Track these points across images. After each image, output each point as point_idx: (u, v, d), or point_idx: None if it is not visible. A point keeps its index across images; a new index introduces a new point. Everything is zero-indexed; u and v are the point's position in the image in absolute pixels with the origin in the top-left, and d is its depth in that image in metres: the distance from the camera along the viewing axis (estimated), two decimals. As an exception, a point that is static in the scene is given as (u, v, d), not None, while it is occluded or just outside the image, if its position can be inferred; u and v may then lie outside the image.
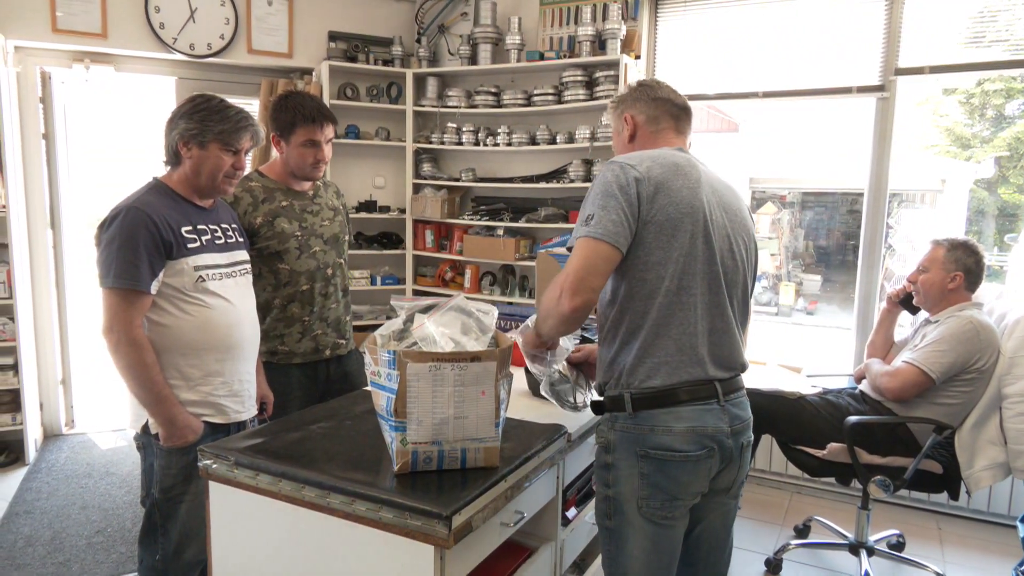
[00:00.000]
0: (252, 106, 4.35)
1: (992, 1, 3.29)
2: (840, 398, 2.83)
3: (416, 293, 4.68)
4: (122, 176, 5.77)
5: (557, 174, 4.30)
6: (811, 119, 3.94)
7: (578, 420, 1.91)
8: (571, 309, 1.48)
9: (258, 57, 4.34)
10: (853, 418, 2.59)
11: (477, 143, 4.46)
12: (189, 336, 1.88)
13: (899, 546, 3.07)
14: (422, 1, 4.64)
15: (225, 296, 1.95)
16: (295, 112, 2.29)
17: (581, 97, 4.06)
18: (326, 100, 4.17)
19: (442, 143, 4.56)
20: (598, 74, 4.02)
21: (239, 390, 2.02)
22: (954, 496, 2.70)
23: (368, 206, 4.64)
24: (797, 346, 4.06)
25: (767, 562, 2.96)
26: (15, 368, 3.85)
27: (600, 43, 4.07)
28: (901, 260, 3.88)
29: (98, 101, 5.82)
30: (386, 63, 4.54)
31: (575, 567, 2.18)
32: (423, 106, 4.58)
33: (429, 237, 4.72)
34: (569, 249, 1.57)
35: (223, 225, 2.03)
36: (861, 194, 3.77)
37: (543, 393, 1.89)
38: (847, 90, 3.63)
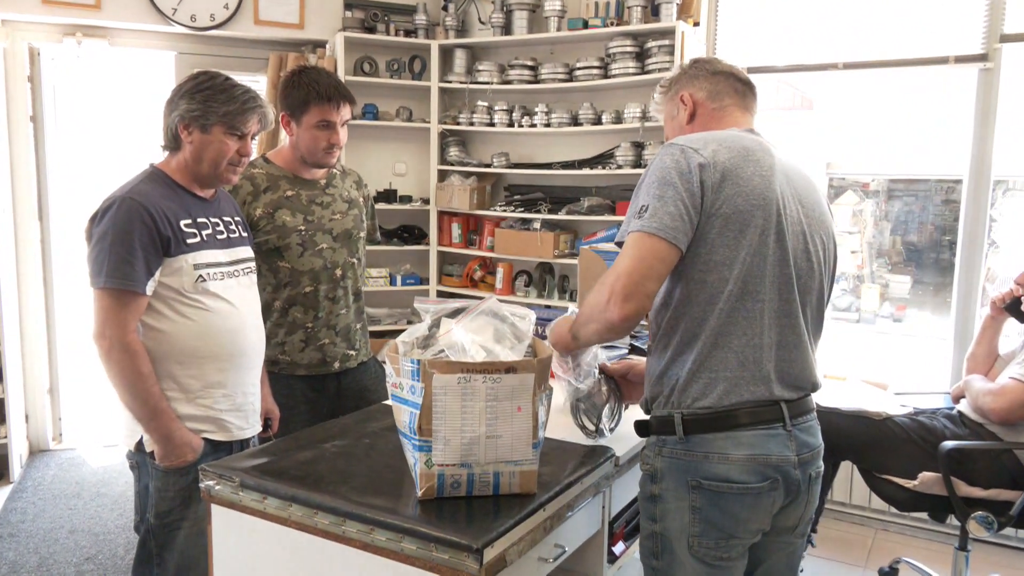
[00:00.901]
0: (259, 83, 4.42)
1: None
2: (934, 420, 2.78)
3: (441, 294, 4.71)
4: (116, 162, 5.90)
5: (603, 159, 4.29)
6: (899, 94, 3.86)
7: (627, 442, 1.90)
8: (621, 317, 1.45)
9: (266, 29, 4.41)
10: (950, 443, 2.54)
11: (511, 124, 4.47)
12: (188, 343, 1.91)
13: (1004, 594, 3.00)
14: (449, -37, 4.66)
15: (227, 298, 1.97)
16: (308, 89, 2.31)
17: (631, 71, 4.03)
18: (341, 76, 4.22)
19: (471, 124, 4.58)
20: (650, 44, 4.00)
21: (242, 404, 2.04)
22: (1071, 537, 2.62)
23: (387, 196, 4.68)
24: (882, 358, 3.98)
25: (846, 609, 2.91)
26: (-1, 376, 3.97)
27: (653, 8, 4.04)
28: (1007, 259, 3.78)
29: (90, 80, 5.96)
30: (408, 34, 4.57)
31: (623, 610, 2.17)
32: (450, 82, 4.61)
33: (456, 231, 4.74)
34: (619, 245, 1.55)
35: (225, 218, 2.06)
36: (959, 181, 3.69)
37: (574, 414, 1.88)
38: (943, 60, 3.55)
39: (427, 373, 1.40)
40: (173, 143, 1.96)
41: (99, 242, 1.82)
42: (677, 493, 1.55)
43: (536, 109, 4.37)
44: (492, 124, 4.52)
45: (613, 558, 1.97)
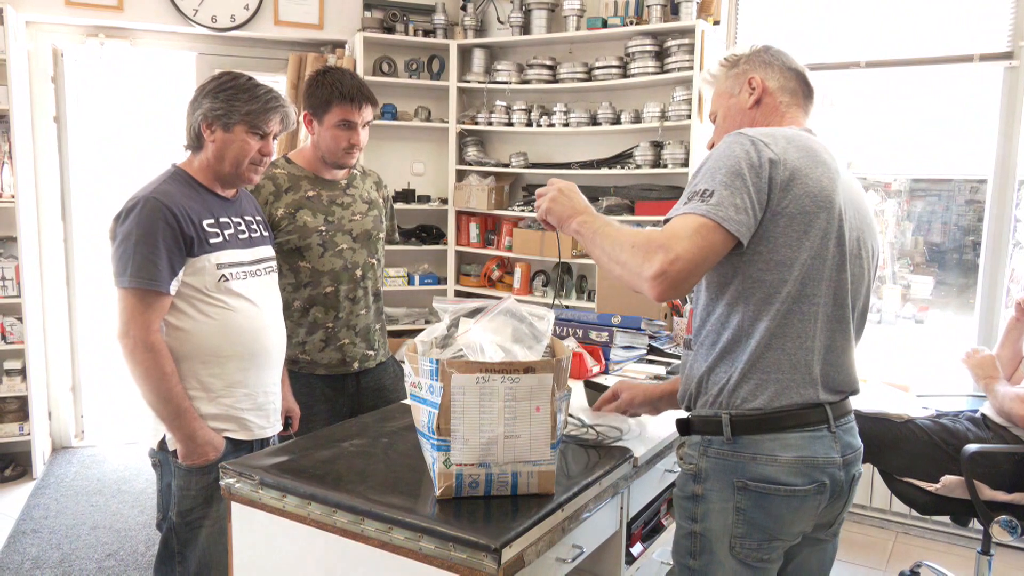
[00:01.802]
0: (279, 83, 4.45)
1: None
2: (957, 422, 2.75)
3: (458, 294, 4.72)
4: (137, 162, 5.97)
5: (621, 159, 4.28)
6: (923, 93, 3.83)
7: (646, 443, 1.90)
8: (658, 296, 1.39)
9: (285, 29, 4.44)
10: (973, 446, 2.51)
11: (529, 124, 4.47)
12: (210, 342, 1.93)
13: (1028, 600, 2.96)
14: (468, -37, 4.67)
15: (249, 298, 1.99)
16: (332, 88, 2.33)
17: (650, 70, 4.02)
18: (359, 76, 4.24)
19: (489, 124, 4.59)
20: (670, 43, 3.99)
21: (264, 403, 2.06)
22: (1097, 542, 2.58)
23: (406, 196, 4.70)
24: (904, 360, 3.94)
25: (867, 613, 2.89)
26: (23, 373, 4.02)
27: (672, 7, 4.03)
28: (1032, 260, 3.73)
29: (113, 81, 6.04)
30: (427, 34, 4.59)
31: (640, 612, 2.16)
32: (468, 82, 4.62)
33: (474, 231, 4.75)
34: (666, 222, 1.48)
35: (247, 218, 2.08)
36: (984, 181, 3.65)
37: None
38: (968, 58, 3.51)
39: (446, 373, 1.41)
40: (196, 142, 1.98)
41: (123, 242, 1.84)
42: (722, 494, 1.54)
43: (555, 109, 4.37)
44: (510, 124, 4.53)
45: (631, 559, 1.97)
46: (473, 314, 1.59)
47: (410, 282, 4.73)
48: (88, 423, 4.73)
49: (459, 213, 4.76)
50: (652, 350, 2.84)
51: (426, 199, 4.77)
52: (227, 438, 1.97)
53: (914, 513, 3.43)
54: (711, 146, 1.73)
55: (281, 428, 2.18)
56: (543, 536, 1.46)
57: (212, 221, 1.95)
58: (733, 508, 1.52)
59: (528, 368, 1.43)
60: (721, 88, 1.72)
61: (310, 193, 2.42)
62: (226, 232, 1.98)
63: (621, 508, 1.85)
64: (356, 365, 2.51)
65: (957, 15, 3.54)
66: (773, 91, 1.65)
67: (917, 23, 3.63)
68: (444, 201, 4.79)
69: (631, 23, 4.11)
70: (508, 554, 1.35)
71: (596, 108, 4.28)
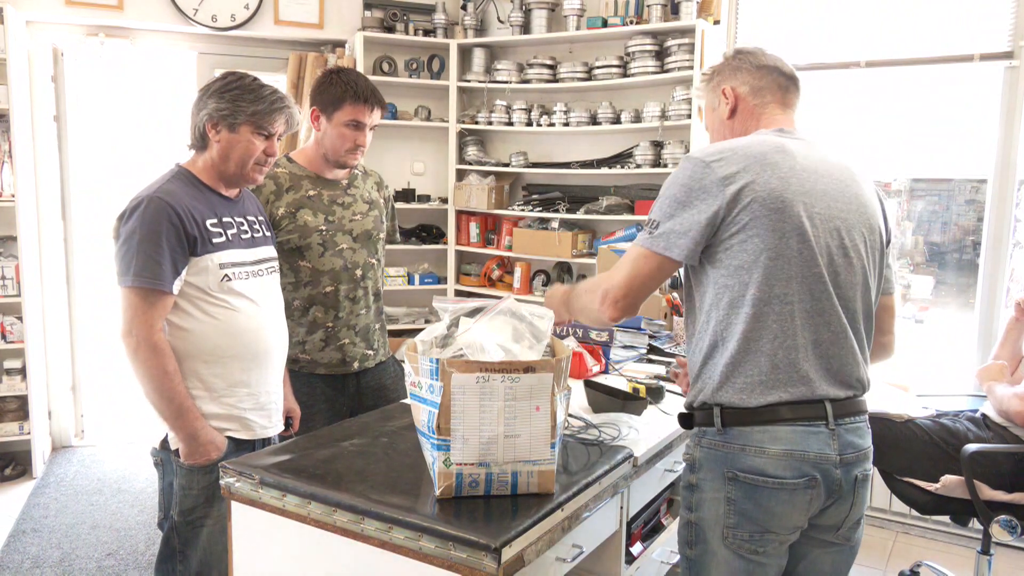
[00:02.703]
0: (279, 82, 4.45)
1: None
2: (957, 422, 2.75)
3: (459, 294, 4.72)
4: (138, 162, 5.98)
5: (621, 158, 4.28)
6: (922, 93, 3.83)
7: (646, 442, 1.90)
8: (612, 319, 1.60)
9: (286, 28, 4.44)
10: (973, 446, 2.52)
11: (529, 123, 4.47)
12: (213, 342, 1.93)
13: (1028, 599, 2.96)
14: (468, -38, 4.67)
15: (252, 297, 2.00)
16: (346, 87, 2.34)
17: (650, 69, 4.03)
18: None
19: (489, 123, 4.59)
20: (670, 43, 3.99)
21: (266, 402, 2.07)
22: (1097, 542, 2.59)
23: (406, 195, 4.70)
24: (905, 359, 3.94)
25: (867, 613, 2.90)
26: (23, 372, 4.03)
27: (673, 6, 4.04)
28: (1033, 259, 3.73)
29: (113, 80, 6.05)
30: (427, 33, 4.59)
31: (640, 611, 2.17)
32: (468, 81, 4.62)
33: (474, 230, 4.76)
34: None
35: (249, 218, 2.09)
36: (984, 181, 3.65)
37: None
38: (968, 58, 3.52)
39: (446, 372, 1.42)
40: (200, 142, 1.99)
41: (127, 241, 1.85)
42: (714, 484, 1.57)
43: (555, 108, 4.38)
44: (510, 123, 4.53)
45: (631, 559, 1.98)
46: (473, 314, 1.60)
47: (410, 281, 4.74)
48: (88, 422, 4.73)
49: (459, 213, 4.77)
50: (652, 349, 2.85)
51: (426, 199, 4.78)
52: (229, 437, 1.98)
53: (914, 513, 3.43)
54: None
55: (283, 428, 2.18)
56: (543, 535, 1.47)
57: (215, 221, 1.96)
58: (724, 498, 1.55)
59: (528, 368, 1.44)
60: (706, 102, 1.81)
61: (311, 192, 2.42)
62: (229, 232, 1.99)
63: (621, 508, 1.85)
64: (356, 365, 2.52)
65: (957, 15, 3.54)
66: (745, 96, 1.72)
67: (917, 23, 3.64)
68: (444, 201, 4.79)
69: (631, 23, 4.11)
70: (508, 553, 1.36)
71: (596, 108, 4.28)
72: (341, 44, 4.61)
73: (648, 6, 4.06)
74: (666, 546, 2.21)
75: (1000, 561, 3.27)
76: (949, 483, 2.61)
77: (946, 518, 3.00)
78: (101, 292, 5.00)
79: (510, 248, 4.58)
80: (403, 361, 1.56)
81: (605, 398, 2.10)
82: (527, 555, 1.42)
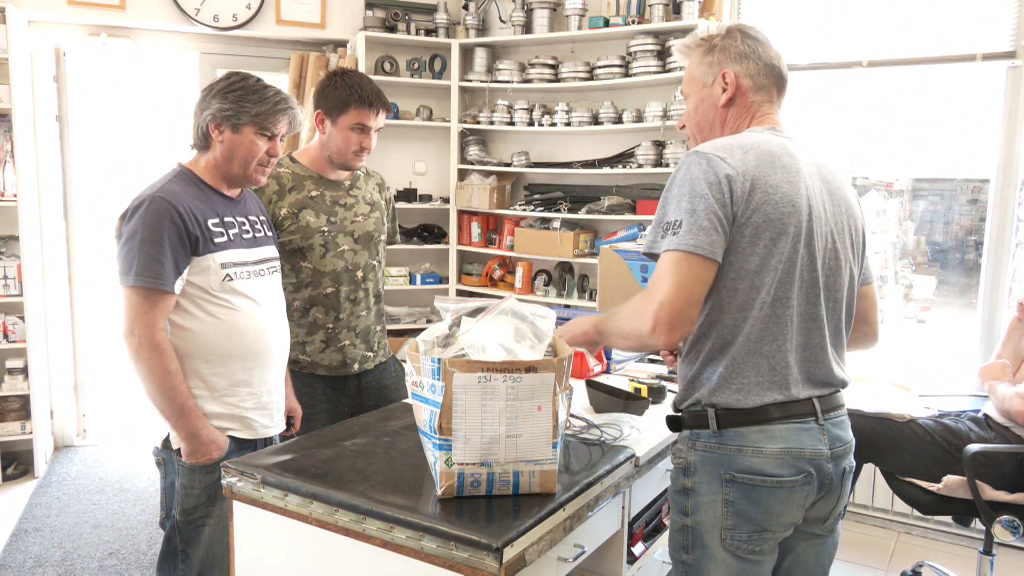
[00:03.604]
0: (281, 82, 4.45)
1: None
2: (959, 422, 2.75)
3: (460, 293, 4.72)
4: (140, 161, 5.98)
5: (623, 158, 4.28)
6: (925, 93, 3.83)
7: (647, 442, 1.90)
8: (667, 344, 1.47)
9: (287, 28, 4.45)
10: (975, 446, 2.51)
11: (531, 123, 4.47)
12: (215, 341, 1.94)
13: (1030, 600, 2.96)
14: (470, -38, 4.67)
15: (253, 297, 2.00)
16: (352, 91, 2.34)
17: (652, 69, 4.03)
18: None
19: (491, 123, 4.59)
20: (672, 42, 3.98)
21: (267, 402, 2.07)
22: (1099, 542, 2.58)
23: (407, 195, 4.70)
24: (906, 360, 3.94)
25: (868, 613, 2.90)
26: (25, 372, 4.03)
27: (674, 6, 4.04)
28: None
29: (115, 80, 6.05)
30: (429, 33, 4.60)
31: (642, 611, 2.17)
32: (470, 81, 4.62)
33: (476, 230, 4.76)
34: (648, 256, 1.55)
35: (251, 217, 2.09)
36: (986, 181, 3.65)
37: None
38: (970, 57, 3.51)
39: (447, 372, 1.42)
40: (203, 142, 1.99)
41: (129, 240, 1.85)
42: (710, 487, 1.56)
43: (556, 108, 4.37)
44: (512, 123, 4.53)
45: (632, 559, 1.97)
46: (475, 313, 1.60)
47: (412, 281, 4.74)
48: (90, 422, 4.74)
49: (461, 212, 4.77)
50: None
51: (428, 198, 4.78)
52: (231, 437, 1.98)
53: (916, 513, 3.43)
54: (681, 126, 1.77)
55: (284, 427, 2.18)
56: (545, 535, 1.47)
57: (217, 220, 1.96)
58: (722, 500, 1.54)
59: (530, 367, 1.44)
60: (695, 72, 1.68)
61: (313, 193, 2.42)
62: (231, 232, 1.99)
63: (623, 508, 1.85)
64: (356, 367, 2.52)
65: (960, 14, 3.54)
66: (746, 90, 1.64)
67: (919, 22, 3.63)
68: (446, 200, 4.79)
69: (633, 22, 4.11)
70: (510, 553, 1.36)
71: (598, 107, 4.28)
72: (343, 44, 4.61)
73: (650, 6, 4.06)
74: (668, 546, 2.21)
75: (1002, 561, 3.27)
76: (951, 483, 2.61)
77: (948, 518, 3.00)
78: (103, 292, 5.00)
79: (512, 248, 4.58)
80: (404, 361, 1.56)
81: (607, 398, 2.10)
82: (529, 555, 1.42)
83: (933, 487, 2.65)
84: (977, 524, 2.63)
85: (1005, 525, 2.49)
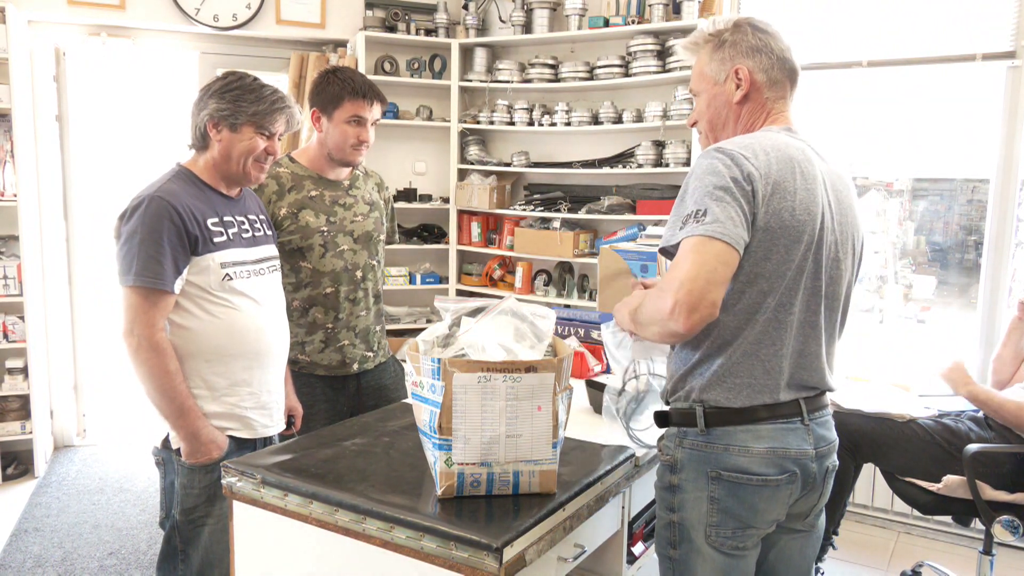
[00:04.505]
0: (281, 82, 4.46)
1: None
2: (959, 422, 2.75)
3: (460, 293, 4.73)
4: (140, 161, 5.98)
5: (623, 158, 4.28)
6: (924, 93, 3.83)
7: (647, 442, 1.90)
8: (687, 329, 1.40)
9: (287, 28, 4.45)
10: (975, 446, 2.51)
11: (531, 123, 4.47)
12: (214, 341, 1.94)
13: (1030, 600, 2.96)
14: (470, -38, 4.67)
15: (253, 296, 2.00)
16: (344, 84, 2.35)
17: (652, 69, 4.03)
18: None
19: (491, 123, 4.59)
20: (672, 42, 3.99)
21: (267, 401, 2.07)
22: (1099, 542, 2.58)
23: (407, 195, 4.70)
24: (906, 360, 3.94)
25: (868, 613, 2.90)
26: (25, 372, 4.03)
27: (674, 6, 4.04)
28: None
29: (114, 80, 6.05)
30: (429, 33, 4.59)
31: (642, 611, 2.17)
32: (470, 81, 4.62)
33: (475, 230, 4.76)
34: (664, 253, 1.52)
35: (250, 216, 2.09)
36: (986, 181, 3.64)
37: (606, 408, 1.88)
38: (970, 57, 3.51)
39: (447, 372, 1.42)
40: (201, 142, 1.99)
41: (128, 240, 1.85)
42: (696, 483, 1.57)
43: (556, 108, 4.37)
44: (512, 123, 4.53)
45: (632, 559, 1.97)
46: (475, 313, 1.60)
47: (412, 281, 4.74)
48: (90, 422, 4.74)
49: (461, 212, 4.77)
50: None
51: (428, 198, 4.78)
52: (230, 436, 1.98)
53: (916, 513, 3.43)
54: (692, 124, 1.73)
55: (284, 427, 2.18)
56: (545, 535, 1.47)
57: (216, 220, 1.96)
58: (707, 497, 1.55)
59: (530, 367, 1.44)
60: (705, 68, 1.64)
61: (313, 193, 2.42)
62: (230, 231, 1.99)
63: (623, 507, 1.85)
64: (356, 367, 2.52)
65: (959, 14, 3.54)
66: (761, 86, 1.59)
67: (919, 22, 3.63)
68: (446, 200, 4.79)
69: (633, 22, 4.11)
70: (510, 553, 1.36)
71: (598, 107, 4.28)
72: (343, 44, 4.61)
73: (650, 6, 4.06)
74: (655, 542, 2.21)
75: (1002, 561, 3.27)
76: (951, 483, 2.61)
77: (948, 518, 3.00)
78: (103, 292, 5.00)
79: (511, 248, 4.58)
80: (404, 361, 1.56)
81: (607, 398, 2.09)
82: (529, 555, 1.42)
83: (933, 487, 2.65)
84: (977, 524, 2.63)
85: (1005, 525, 2.49)
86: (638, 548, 2.03)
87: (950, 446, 2.65)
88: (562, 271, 4.49)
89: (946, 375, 2.80)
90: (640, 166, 4.15)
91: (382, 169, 3.00)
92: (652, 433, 1.85)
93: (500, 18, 4.63)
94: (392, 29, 4.52)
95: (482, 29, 4.66)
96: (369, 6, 4.54)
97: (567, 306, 4.23)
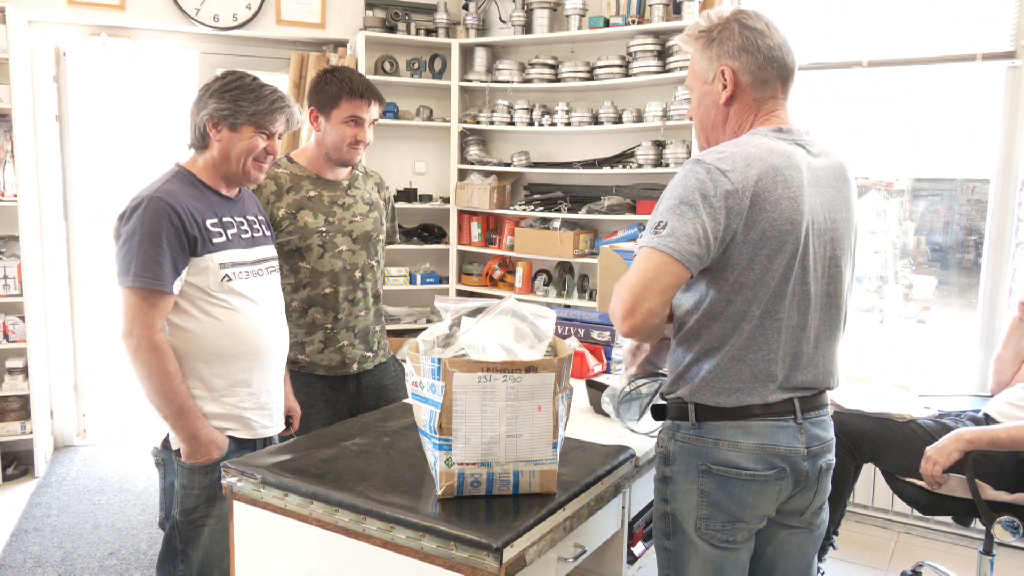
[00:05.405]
0: (281, 82, 4.45)
1: None
2: (959, 422, 2.74)
3: (460, 293, 4.72)
4: (139, 161, 5.98)
5: (623, 158, 4.28)
6: (925, 93, 3.83)
7: (648, 442, 1.90)
8: (627, 331, 1.47)
9: (288, 28, 4.45)
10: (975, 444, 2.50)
11: (531, 123, 4.47)
12: (214, 342, 1.93)
13: (1030, 600, 2.96)
14: (470, -38, 4.67)
15: (252, 297, 2.00)
16: (342, 84, 2.35)
17: (652, 69, 4.03)
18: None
19: (491, 123, 4.59)
20: (672, 42, 3.99)
21: (267, 402, 2.07)
22: (1099, 542, 2.58)
23: (407, 195, 4.70)
24: (906, 360, 3.94)
25: (869, 613, 2.89)
26: (25, 372, 4.03)
27: (674, 6, 4.04)
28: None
29: (114, 80, 6.05)
30: (429, 33, 4.59)
31: (642, 611, 2.17)
32: (470, 81, 4.62)
33: (476, 230, 4.76)
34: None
35: (249, 217, 2.09)
36: (986, 181, 3.64)
37: (604, 403, 1.89)
38: (970, 57, 3.51)
39: (447, 372, 1.42)
40: (200, 142, 1.99)
41: (127, 241, 1.85)
42: (687, 476, 1.59)
43: (556, 108, 4.37)
44: (512, 123, 4.53)
45: (633, 559, 1.97)
46: (475, 313, 1.60)
47: (412, 281, 4.74)
48: (90, 422, 4.74)
49: (461, 212, 4.76)
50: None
51: (428, 198, 4.78)
52: (230, 437, 1.98)
53: (916, 513, 3.42)
54: (691, 117, 1.73)
55: (283, 427, 2.18)
56: (545, 535, 1.47)
57: (215, 220, 1.96)
58: (697, 490, 1.57)
59: (530, 367, 1.44)
60: (696, 66, 1.64)
61: (311, 193, 2.42)
62: (229, 232, 1.99)
63: (623, 507, 1.85)
64: (355, 367, 2.52)
65: (960, 14, 3.53)
66: (747, 86, 1.58)
67: (919, 22, 3.63)
68: (446, 200, 4.79)
69: (633, 22, 4.11)
70: (510, 553, 1.36)
71: (598, 107, 4.28)
72: (343, 44, 4.61)
73: (650, 6, 4.06)
74: (653, 534, 2.21)
75: (1002, 561, 3.27)
76: (951, 483, 2.60)
77: (948, 518, 3.00)
78: (103, 292, 5.00)
79: (512, 248, 4.58)
80: (404, 361, 1.56)
81: (607, 398, 2.09)
82: (529, 555, 1.41)
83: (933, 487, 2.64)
84: (977, 524, 2.63)
85: (1005, 525, 2.48)
86: (638, 548, 2.03)
87: (950, 446, 2.64)
88: (562, 271, 4.49)
89: (939, 449, 2.66)
90: (640, 166, 4.15)
91: (382, 169, 3.00)
92: (645, 423, 1.87)
93: (500, 18, 4.63)
94: (392, 29, 4.52)
95: (482, 29, 4.66)
96: (369, 6, 4.54)
97: (567, 306, 4.23)
